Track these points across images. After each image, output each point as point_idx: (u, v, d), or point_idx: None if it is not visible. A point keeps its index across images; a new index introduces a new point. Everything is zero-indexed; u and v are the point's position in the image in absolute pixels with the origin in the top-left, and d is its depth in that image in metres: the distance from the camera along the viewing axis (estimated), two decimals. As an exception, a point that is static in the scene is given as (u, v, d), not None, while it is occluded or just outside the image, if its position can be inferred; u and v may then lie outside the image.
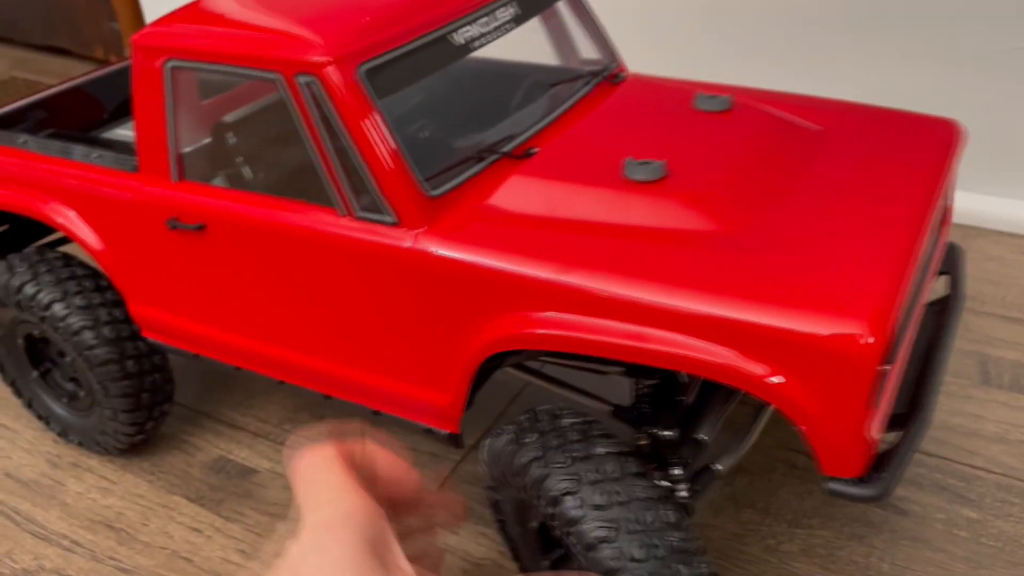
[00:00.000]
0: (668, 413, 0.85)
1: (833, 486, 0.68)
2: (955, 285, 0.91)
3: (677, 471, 0.80)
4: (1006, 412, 1.11)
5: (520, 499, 0.79)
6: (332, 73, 0.75)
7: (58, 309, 1.01)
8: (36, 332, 1.10)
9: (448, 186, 0.79)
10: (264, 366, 0.93)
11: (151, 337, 1.03)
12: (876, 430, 0.69)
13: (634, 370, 0.91)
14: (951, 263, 0.94)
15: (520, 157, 0.84)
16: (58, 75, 2.51)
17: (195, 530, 1.05)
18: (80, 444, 1.17)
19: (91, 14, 2.42)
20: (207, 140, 0.93)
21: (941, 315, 0.86)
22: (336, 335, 0.86)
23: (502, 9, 0.91)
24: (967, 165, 1.51)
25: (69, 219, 0.98)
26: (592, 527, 0.68)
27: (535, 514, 0.80)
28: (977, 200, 1.50)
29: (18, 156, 1.02)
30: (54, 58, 2.62)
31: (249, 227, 0.85)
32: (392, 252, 0.77)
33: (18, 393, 1.19)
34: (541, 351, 0.88)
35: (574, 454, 0.73)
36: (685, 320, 0.66)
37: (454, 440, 0.85)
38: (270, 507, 1.08)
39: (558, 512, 0.70)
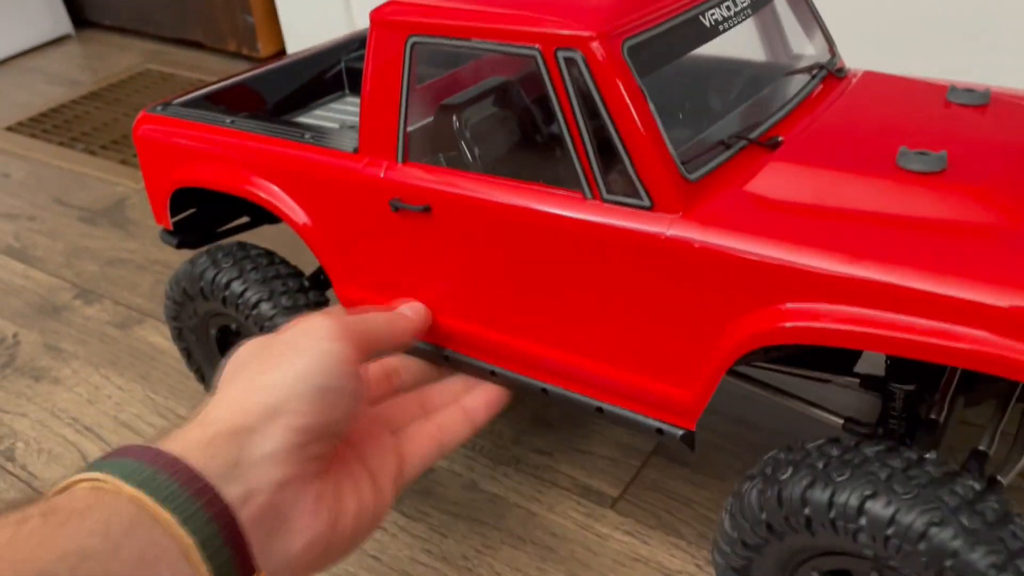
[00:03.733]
0: (922, 431, 0.79)
1: None
2: None
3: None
4: None
5: (805, 548, 0.73)
6: (597, 48, 0.72)
7: (265, 309, 1.00)
8: (233, 326, 1.10)
9: (704, 170, 0.75)
10: (479, 351, 0.90)
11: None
12: None
13: (872, 381, 0.85)
14: None
15: (766, 145, 0.80)
16: (191, 67, 2.58)
17: (379, 528, 1.03)
18: None
19: (226, 7, 2.47)
20: (430, 118, 0.92)
21: None
22: (571, 323, 0.82)
23: (740, -6, 0.87)
24: None
25: (279, 198, 0.98)
26: (979, 555, 0.62)
27: (819, 563, 0.74)
28: None
29: (227, 135, 1.02)
30: (187, 51, 2.69)
31: (480, 210, 0.82)
32: (646, 238, 0.74)
33: (202, 379, 1.20)
34: (776, 354, 0.83)
35: (851, 463, 0.68)
36: (993, 317, 0.61)
37: (689, 440, 0.80)
38: (451, 506, 1.05)
39: (928, 548, 0.63)
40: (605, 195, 0.76)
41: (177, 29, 2.68)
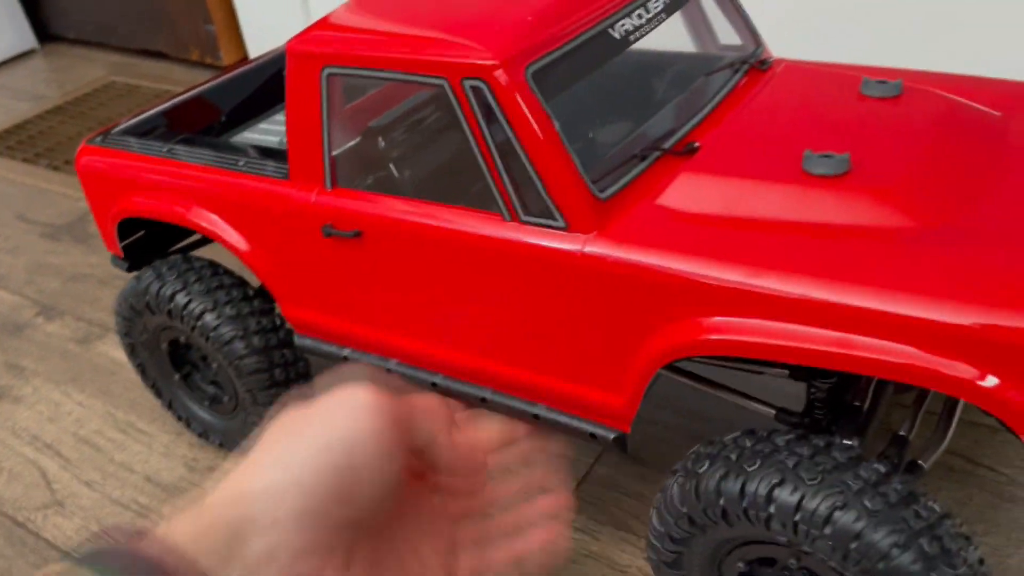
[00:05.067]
0: (846, 419, 0.81)
1: None
2: None
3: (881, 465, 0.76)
4: None
5: (728, 539, 0.76)
6: (501, 76, 0.74)
7: (209, 319, 1.03)
8: (182, 338, 1.12)
9: (616, 187, 0.77)
10: (420, 363, 0.93)
11: (305, 335, 1.03)
12: None
13: (800, 372, 0.88)
14: None
15: (682, 153, 0.82)
16: (155, 78, 2.57)
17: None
18: (221, 445, 1.20)
19: (188, 17, 2.46)
20: (355, 143, 0.93)
21: None
22: (501, 337, 0.85)
23: (654, 0, 0.88)
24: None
25: (218, 226, 1.00)
26: (881, 535, 0.64)
27: (743, 553, 0.77)
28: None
29: (164, 164, 1.03)
30: (151, 62, 2.68)
31: (408, 233, 0.84)
32: (563, 257, 0.76)
33: (159, 394, 1.22)
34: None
35: (761, 453, 0.70)
36: (893, 325, 0.63)
37: (622, 443, 0.83)
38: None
39: (833, 532, 0.66)
40: (522, 216, 0.78)
41: (141, 40, 2.67)
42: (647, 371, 0.76)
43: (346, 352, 1.00)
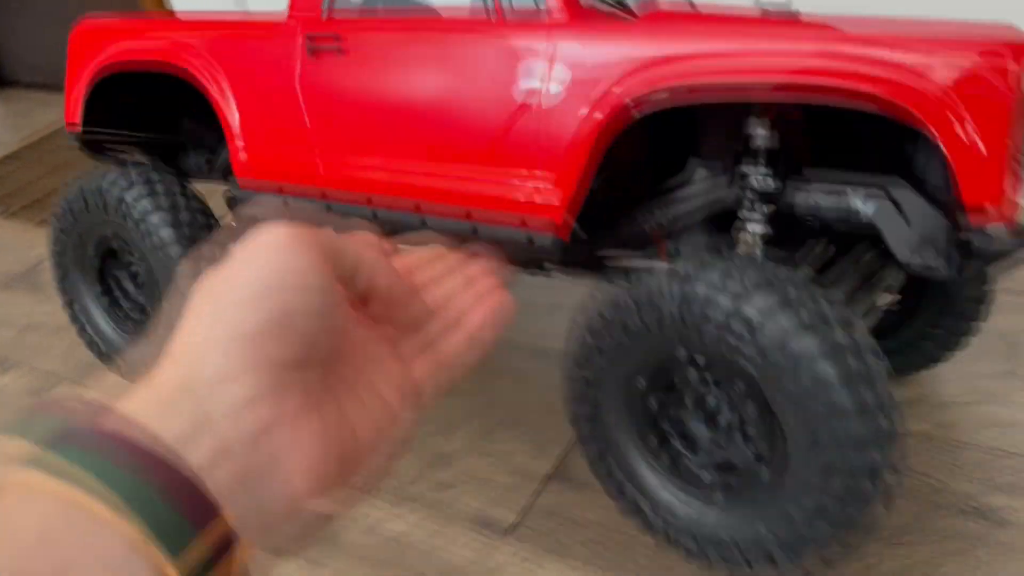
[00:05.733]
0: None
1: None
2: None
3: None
4: (1108, 404, 1.07)
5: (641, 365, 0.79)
6: None
7: (166, 234, 1.07)
8: (115, 244, 1.16)
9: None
10: (356, 186, 0.98)
11: (247, 177, 1.08)
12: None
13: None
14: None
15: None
16: None
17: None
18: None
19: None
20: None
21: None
22: (445, 126, 0.91)
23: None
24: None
25: (204, 71, 1.06)
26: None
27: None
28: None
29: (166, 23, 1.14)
30: None
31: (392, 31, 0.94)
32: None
33: (70, 305, 1.24)
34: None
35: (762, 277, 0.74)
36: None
37: (561, 247, 0.88)
38: (354, 550, 1.09)
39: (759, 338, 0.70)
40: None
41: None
42: (590, 142, 0.83)
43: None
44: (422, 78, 0.91)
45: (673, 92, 0.77)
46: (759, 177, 0.83)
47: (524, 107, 0.85)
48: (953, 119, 0.68)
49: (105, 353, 1.21)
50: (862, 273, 0.89)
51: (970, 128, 0.68)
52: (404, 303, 0.42)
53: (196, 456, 0.34)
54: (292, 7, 1.02)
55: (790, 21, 0.85)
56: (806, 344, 0.69)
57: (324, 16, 0.98)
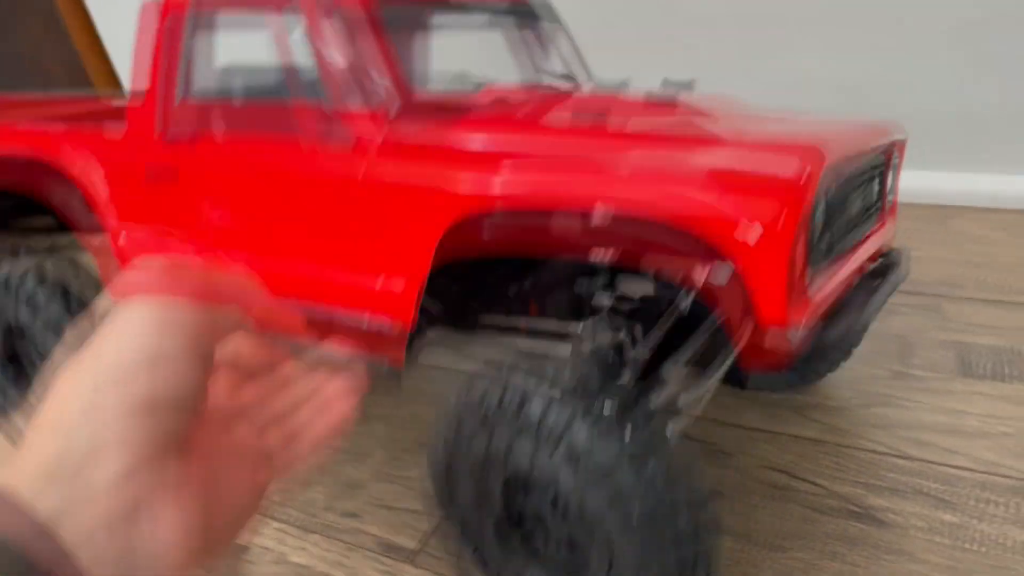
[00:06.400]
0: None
1: (771, 334, 0.72)
2: (890, 270, 0.93)
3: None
4: (987, 403, 1.09)
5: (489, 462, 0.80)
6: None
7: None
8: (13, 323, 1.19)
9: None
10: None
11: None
12: (808, 312, 0.74)
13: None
14: (890, 265, 0.95)
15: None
16: None
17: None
18: None
19: (70, 83, 2.55)
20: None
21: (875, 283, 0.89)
22: (302, 234, 0.95)
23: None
24: (934, 144, 1.49)
25: (81, 163, 1.10)
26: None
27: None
28: (953, 179, 1.47)
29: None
30: None
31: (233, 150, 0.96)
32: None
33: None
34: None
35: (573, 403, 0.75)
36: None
37: (395, 374, 0.89)
38: (264, 582, 1.11)
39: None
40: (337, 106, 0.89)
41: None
42: (428, 245, 0.86)
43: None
44: (261, 200, 0.96)
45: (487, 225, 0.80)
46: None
47: (354, 214, 0.88)
48: (741, 246, 0.71)
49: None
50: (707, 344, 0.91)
51: (756, 252, 0.71)
52: (266, 387, 0.45)
53: (72, 531, 0.35)
54: (128, 125, 1.04)
55: (663, 107, 0.88)
56: (609, 463, 0.70)
57: (158, 138, 1.01)
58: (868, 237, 0.92)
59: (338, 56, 0.87)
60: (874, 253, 0.94)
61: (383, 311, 0.92)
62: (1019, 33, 1.32)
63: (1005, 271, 1.30)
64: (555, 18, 1.18)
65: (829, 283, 0.80)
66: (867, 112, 1.34)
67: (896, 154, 0.94)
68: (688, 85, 0.96)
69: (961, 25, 1.35)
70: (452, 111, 0.91)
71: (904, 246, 1.00)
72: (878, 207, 0.95)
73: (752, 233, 0.69)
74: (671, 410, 0.81)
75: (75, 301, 1.11)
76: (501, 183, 0.79)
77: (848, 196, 0.85)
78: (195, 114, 0.99)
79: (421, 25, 1.02)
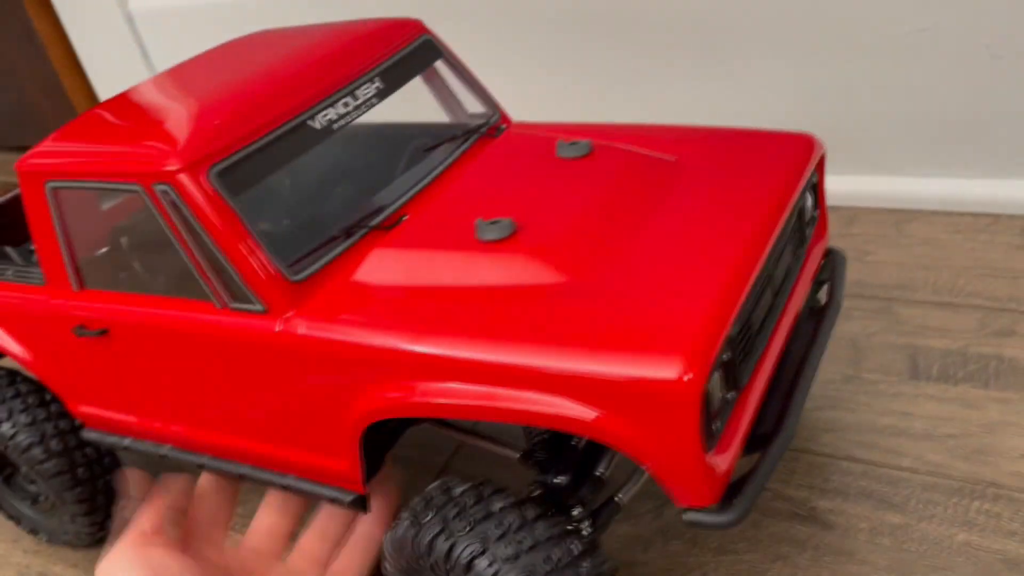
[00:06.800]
0: (561, 459, 0.86)
1: (688, 516, 0.69)
2: (832, 293, 0.92)
3: (577, 511, 0.81)
4: (935, 406, 1.11)
5: None
6: (184, 180, 0.79)
7: (6, 428, 1.06)
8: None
9: (311, 269, 0.83)
10: (183, 445, 0.98)
11: (94, 428, 1.07)
12: (726, 458, 0.70)
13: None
14: (831, 270, 0.95)
15: (390, 228, 0.88)
16: None
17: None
18: (49, 541, 1.22)
19: (55, 112, 2.53)
20: (104, 248, 0.98)
21: (816, 324, 0.87)
22: (235, 415, 0.90)
23: (364, 87, 0.95)
24: (888, 149, 1.52)
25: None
26: None
27: None
28: (907, 183, 1.50)
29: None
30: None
31: (143, 327, 0.89)
32: (266, 337, 0.81)
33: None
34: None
35: (474, 517, 0.75)
36: (526, 376, 0.69)
37: (361, 503, 0.87)
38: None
39: None
40: (231, 303, 0.83)
41: (12, 137, 2.73)
42: (353, 435, 0.81)
43: (127, 442, 1.03)
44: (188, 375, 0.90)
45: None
46: None
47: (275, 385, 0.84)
48: (638, 441, 0.67)
49: (33, 530, 1.23)
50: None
51: (659, 443, 0.66)
52: None
53: None
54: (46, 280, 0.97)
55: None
56: None
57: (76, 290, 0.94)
58: (800, 276, 0.88)
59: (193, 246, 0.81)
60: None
61: (333, 481, 0.88)
62: (968, 40, 1.34)
63: (957, 274, 1.32)
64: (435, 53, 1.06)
65: (749, 406, 0.74)
66: (817, 118, 1.36)
67: (816, 174, 0.93)
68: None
69: (912, 32, 1.37)
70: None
71: (842, 249, 1.01)
72: (811, 226, 0.94)
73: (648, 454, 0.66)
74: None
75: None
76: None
77: (762, 288, 0.78)
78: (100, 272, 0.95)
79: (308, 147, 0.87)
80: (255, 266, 0.80)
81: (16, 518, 1.24)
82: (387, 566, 0.85)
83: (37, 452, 1.07)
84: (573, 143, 0.92)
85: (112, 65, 2.40)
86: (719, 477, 0.69)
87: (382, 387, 0.77)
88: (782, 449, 0.74)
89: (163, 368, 0.92)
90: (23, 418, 1.07)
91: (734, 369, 0.70)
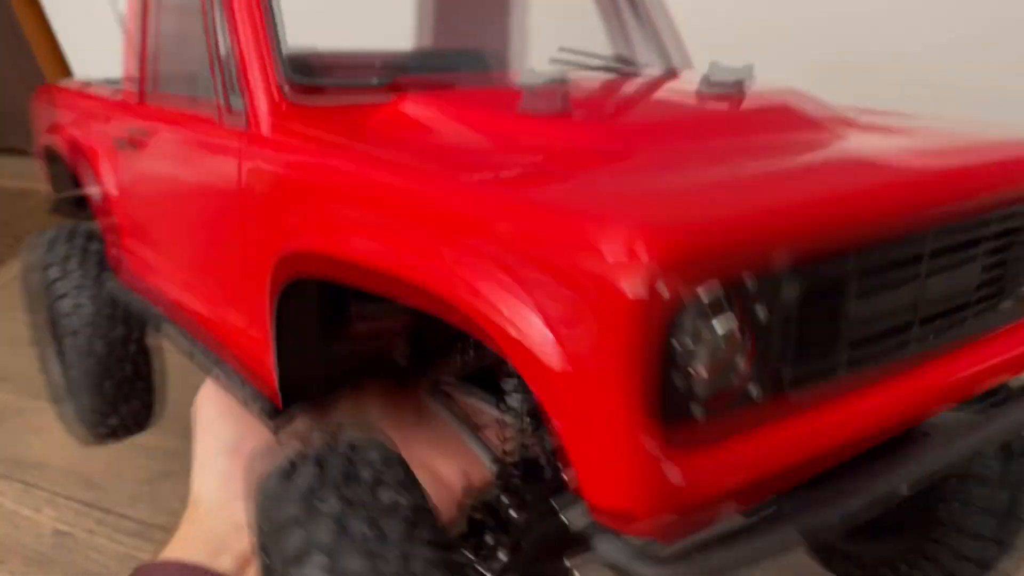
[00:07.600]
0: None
1: (600, 544, 0.38)
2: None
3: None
4: None
5: None
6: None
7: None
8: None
9: (320, 100, 0.66)
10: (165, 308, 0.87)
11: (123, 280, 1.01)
12: (696, 470, 0.37)
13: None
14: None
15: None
16: (13, 175, 2.65)
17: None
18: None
19: (19, 73, 2.53)
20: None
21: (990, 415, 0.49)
22: (193, 259, 0.79)
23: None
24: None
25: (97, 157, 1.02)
26: None
27: None
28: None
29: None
30: (8, 159, 2.74)
31: (158, 139, 0.80)
32: (224, 148, 0.67)
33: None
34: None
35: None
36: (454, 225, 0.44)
37: (274, 414, 0.66)
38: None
39: None
40: (225, 118, 0.69)
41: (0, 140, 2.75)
42: (271, 289, 0.62)
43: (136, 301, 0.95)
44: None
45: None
46: None
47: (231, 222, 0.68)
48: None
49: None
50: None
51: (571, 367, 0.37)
52: None
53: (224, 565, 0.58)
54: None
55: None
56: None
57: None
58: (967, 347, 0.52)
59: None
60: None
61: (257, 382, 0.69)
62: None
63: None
64: None
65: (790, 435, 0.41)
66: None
67: None
68: (746, 71, 0.65)
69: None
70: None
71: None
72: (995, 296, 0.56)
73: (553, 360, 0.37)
74: None
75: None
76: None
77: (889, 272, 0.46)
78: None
79: None
80: (257, 66, 0.65)
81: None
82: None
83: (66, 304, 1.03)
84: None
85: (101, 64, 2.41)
86: (664, 484, 0.36)
87: (308, 226, 0.56)
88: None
89: (164, 194, 0.82)
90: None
91: (783, 349, 0.38)
